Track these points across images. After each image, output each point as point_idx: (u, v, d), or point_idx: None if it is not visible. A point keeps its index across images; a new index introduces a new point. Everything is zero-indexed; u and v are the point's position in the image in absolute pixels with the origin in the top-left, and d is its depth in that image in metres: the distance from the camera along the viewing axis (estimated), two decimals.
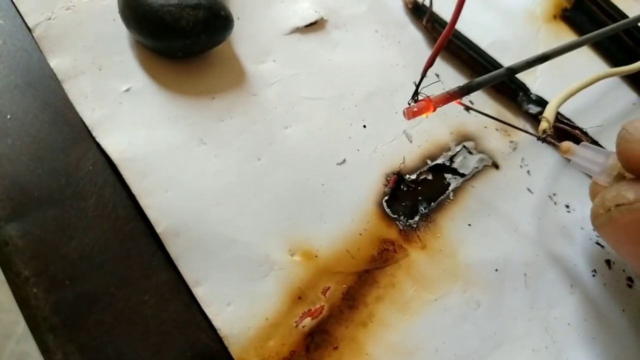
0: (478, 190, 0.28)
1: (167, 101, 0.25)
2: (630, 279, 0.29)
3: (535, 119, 0.31)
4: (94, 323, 0.21)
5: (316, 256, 0.24)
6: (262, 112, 0.26)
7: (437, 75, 0.31)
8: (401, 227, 0.26)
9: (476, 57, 0.31)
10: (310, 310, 0.23)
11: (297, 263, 0.23)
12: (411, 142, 0.28)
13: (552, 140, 0.25)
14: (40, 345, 0.20)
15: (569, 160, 0.25)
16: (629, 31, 0.35)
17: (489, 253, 0.27)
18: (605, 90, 0.34)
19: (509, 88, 0.31)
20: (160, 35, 0.24)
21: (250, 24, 0.28)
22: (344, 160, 0.27)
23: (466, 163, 0.29)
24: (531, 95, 0.32)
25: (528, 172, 0.30)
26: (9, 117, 0.23)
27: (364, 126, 0.28)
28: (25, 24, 0.25)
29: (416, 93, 0.23)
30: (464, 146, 0.29)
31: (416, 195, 0.27)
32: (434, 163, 0.28)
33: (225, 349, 0.21)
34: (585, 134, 0.26)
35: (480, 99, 0.31)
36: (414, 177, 0.28)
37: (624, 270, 0.29)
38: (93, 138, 0.23)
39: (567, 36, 0.36)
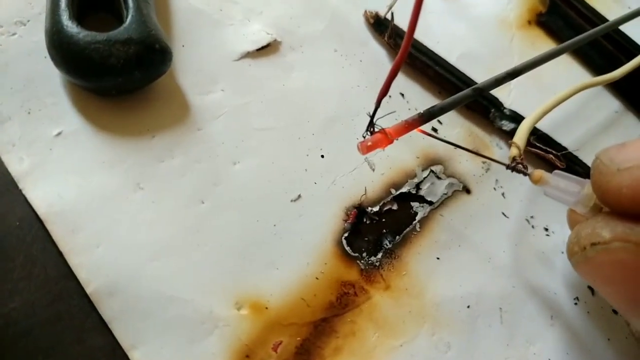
0: (447, 219, 0.26)
1: (102, 144, 0.23)
2: None
3: (510, 136, 0.29)
4: None
5: (266, 308, 0.22)
6: (207, 148, 0.24)
7: (402, 95, 0.29)
8: (363, 267, 0.24)
9: (443, 74, 0.29)
10: None
11: (244, 317, 0.21)
12: (373, 170, 0.26)
13: (523, 170, 0.22)
14: None
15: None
16: (609, 35, 0.32)
17: (460, 289, 0.25)
18: (585, 99, 0.32)
19: (479, 104, 0.29)
20: (89, 74, 0.22)
21: (196, 51, 0.26)
22: (299, 196, 0.25)
23: (434, 189, 0.27)
24: (505, 111, 0.30)
25: (503, 194, 0.28)
26: None
27: (322, 156, 0.26)
28: None
29: (371, 124, 0.21)
30: (432, 171, 0.27)
31: (380, 229, 0.25)
32: (398, 192, 0.26)
33: None
34: (561, 157, 0.24)
35: (449, 116, 0.29)
36: (376, 209, 0.26)
37: None
38: (20, 190, 0.21)
39: (543, 43, 0.34)
